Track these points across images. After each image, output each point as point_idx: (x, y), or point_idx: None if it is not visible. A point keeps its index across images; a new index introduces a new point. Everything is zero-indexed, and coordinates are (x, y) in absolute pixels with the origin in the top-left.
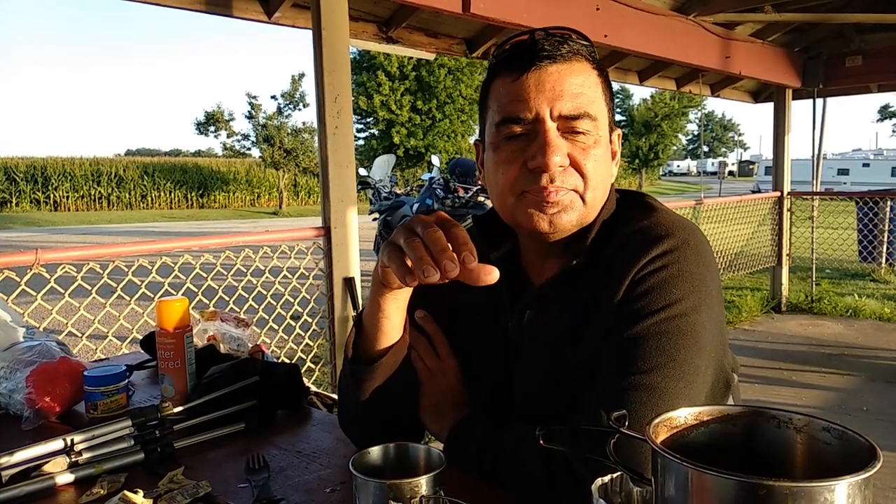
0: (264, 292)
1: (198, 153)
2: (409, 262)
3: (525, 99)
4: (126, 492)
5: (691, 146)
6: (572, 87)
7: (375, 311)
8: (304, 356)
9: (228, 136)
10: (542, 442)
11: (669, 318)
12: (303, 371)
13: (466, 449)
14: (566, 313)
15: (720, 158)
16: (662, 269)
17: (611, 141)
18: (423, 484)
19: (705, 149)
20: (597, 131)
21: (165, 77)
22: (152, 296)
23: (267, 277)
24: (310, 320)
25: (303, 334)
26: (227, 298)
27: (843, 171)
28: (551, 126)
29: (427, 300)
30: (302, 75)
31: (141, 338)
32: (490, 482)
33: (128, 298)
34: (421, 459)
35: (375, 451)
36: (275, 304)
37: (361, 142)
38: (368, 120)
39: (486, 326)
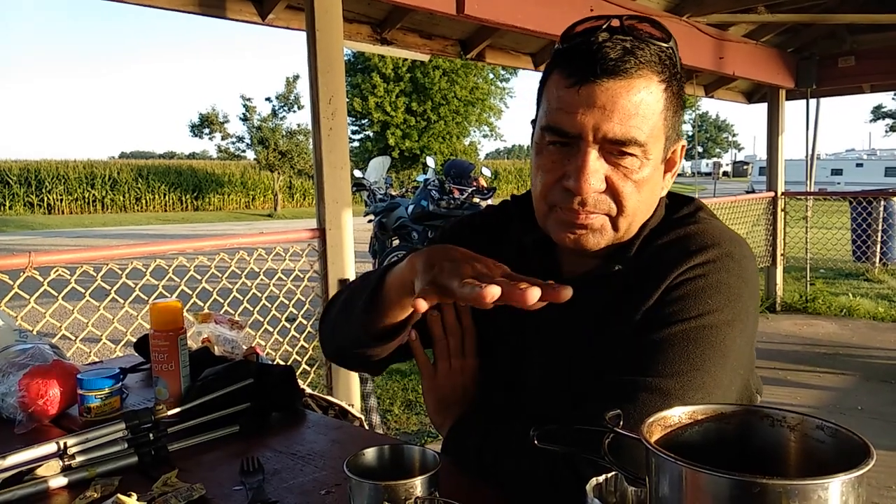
0: (259, 294)
1: (192, 156)
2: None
3: (572, 112)
4: (120, 495)
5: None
6: (627, 107)
7: (393, 305)
8: (298, 358)
9: (223, 139)
10: (536, 442)
11: (699, 327)
12: (298, 373)
13: (467, 442)
14: (595, 310)
15: (714, 159)
16: (700, 277)
17: (672, 152)
18: (417, 485)
19: (699, 149)
20: (644, 155)
21: (159, 79)
22: (146, 298)
23: (262, 280)
24: (305, 322)
25: (298, 336)
26: (222, 301)
27: (837, 172)
28: (592, 149)
29: None
30: (296, 77)
31: (135, 340)
32: (487, 479)
33: (122, 301)
34: (416, 461)
35: (370, 453)
36: (269, 306)
37: (356, 143)
38: (363, 122)
39: (508, 312)
